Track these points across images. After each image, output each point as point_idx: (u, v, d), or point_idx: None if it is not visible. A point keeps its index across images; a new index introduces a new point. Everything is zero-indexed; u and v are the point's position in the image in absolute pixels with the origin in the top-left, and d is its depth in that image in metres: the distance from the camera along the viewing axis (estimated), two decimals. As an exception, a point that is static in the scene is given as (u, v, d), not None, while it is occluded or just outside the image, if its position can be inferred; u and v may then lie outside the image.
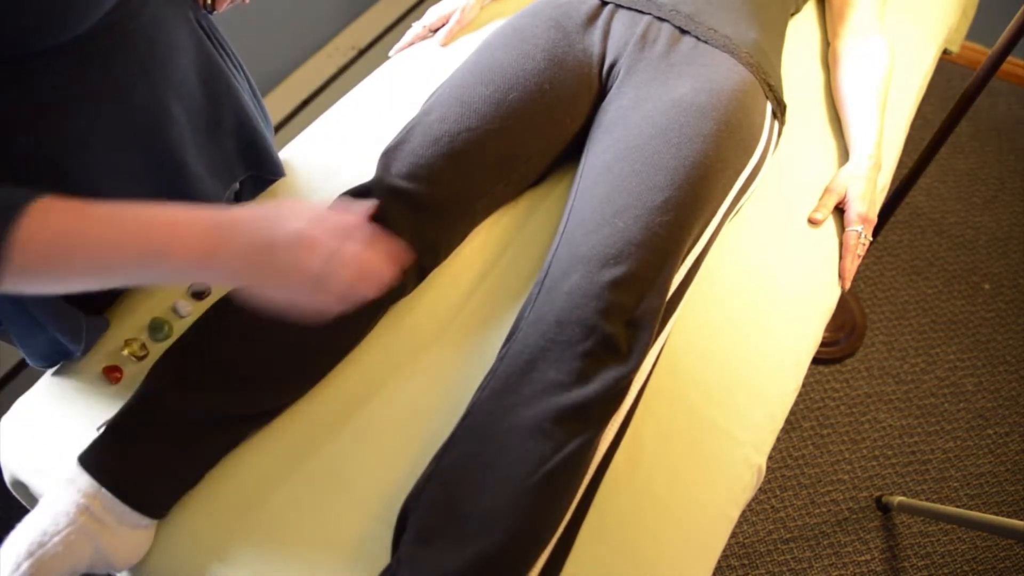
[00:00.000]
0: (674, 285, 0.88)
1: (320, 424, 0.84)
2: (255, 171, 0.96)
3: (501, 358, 0.82)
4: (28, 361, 0.85)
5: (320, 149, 1.08)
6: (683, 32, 1.03)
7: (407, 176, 0.88)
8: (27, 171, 0.69)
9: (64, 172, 0.71)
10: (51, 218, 0.54)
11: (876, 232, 1.27)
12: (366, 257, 0.63)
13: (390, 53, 1.23)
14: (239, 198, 1.00)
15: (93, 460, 0.73)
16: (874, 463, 1.64)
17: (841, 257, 1.03)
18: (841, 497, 1.59)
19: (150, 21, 0.71)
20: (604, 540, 0.79)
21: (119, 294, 0.91)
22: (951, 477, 1.63)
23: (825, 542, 1.53)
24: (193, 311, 0.89)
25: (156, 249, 0.56)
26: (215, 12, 0.87)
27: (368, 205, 0.68)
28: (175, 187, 0.82)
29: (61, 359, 0.86)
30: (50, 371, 0.86)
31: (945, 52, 1.42)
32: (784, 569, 1.49)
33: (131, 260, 0.56)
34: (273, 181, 1.01)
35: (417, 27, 1.23)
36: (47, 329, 0.80)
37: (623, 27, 1.04)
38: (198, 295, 0.91)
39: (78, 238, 0.54)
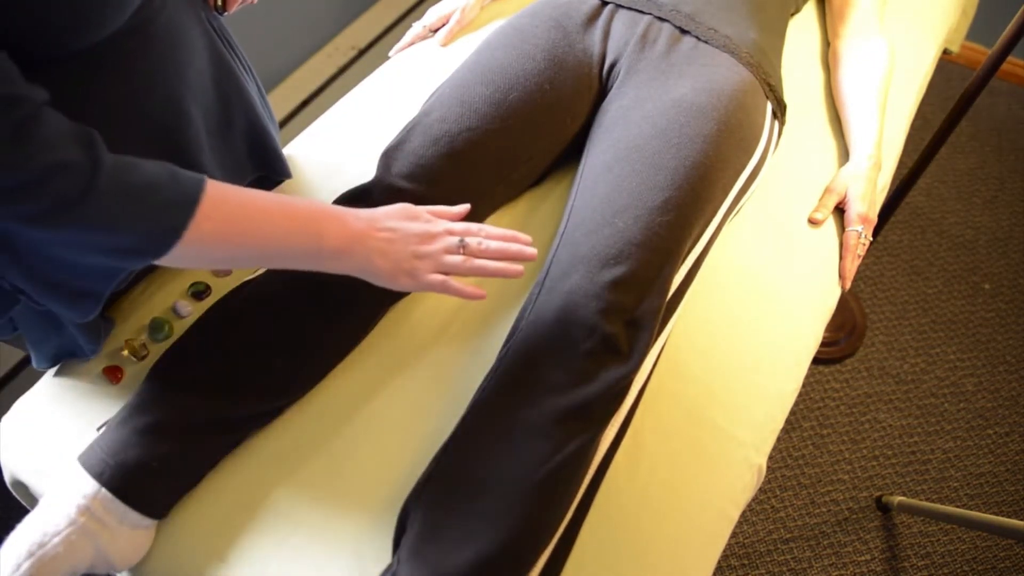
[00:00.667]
0: (674, 285, 0.88)
1: (320, 424, 0.84)
2: (264, 172, 0.96)
3: (501, 358, 0.82)
4: (34, 362, 0.85)
5: (320, 149, 1.08)
6: (683, 32, 1.03)
7: (407, 176, 0.88)
8: None
9: None
10: (229, 195, 0.64)
11: (876, 232, 1.27)
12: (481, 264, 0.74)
13: (390, 53, 1.23)
14: None
15: (94, 460, 0.73)
16: (874, 463, 1.64)
17: (841, 257, 1.03)
18: (841, 497, 1.59)
19: (168, 23, 0.72)
20: (604, 540, 0.79)
21: (119, 294, 0.91)
22: (951, 477, 1.63)
23: (825, 542, 1.53)
24: (193, 311, 0.89)
25: (315, 231, 0.67)
26: (226, 13, 0.87)
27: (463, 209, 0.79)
28: None
29: (66, 359, 0.86)
30: (50, 371, 0.86)
31: (945, 52, 1.42)
32: (784, 569, 1.49)
33: (294, 239, 0.67)
34: (279, 182, 1.01)
35: (417, 27, 1.23)
36: (63, 332, 0.80)
37: (623, 27, 1.04)
38: (198, 295, 0.91)
39: (252, 214, 0.65)
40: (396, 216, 0.73)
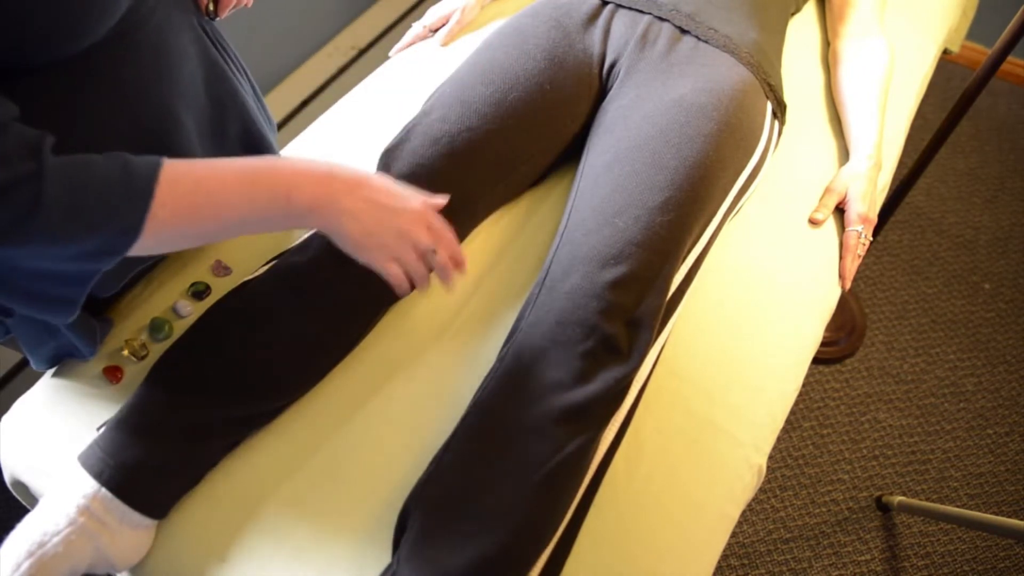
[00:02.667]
0: (674, 285, 0.88)
1: (320, 424, 0.84)
2: None
3: (501, 358, 0.82)
4: (32, 364, 0.85)
5: (320, 149, 1.08)
6: (683, 32, 1.03)
7: (407, 176, 0.88)
8: None
9: None
10: (182, 175, 0.61)
11: (876, 232, 1.27)
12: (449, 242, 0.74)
13: (390, 53, 1.23)
14: None
15: (93, 460, 0.73)
16: (874, 463, 1.64)
17: (841, 257, 1.03)
18: (841, 497, 1.59)
19: (157, 29, 0.72)
20: (604, 540, 0.79)
21: (119, 295, 0.91)
22: (951, 477, 1.63)
23: (825, 542, 1.53)
24: (193, 311, 0.89)
25: (283, 193, 0.65)
26: (218, 18, 0.87)
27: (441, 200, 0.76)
28: None
29: (65, 359, 0.86)
30: (50, 371, 0.86)
31: (945, 52, 1.42)
32: (784, 569, 1.49)
33: (259, 205, 0.64)
34: None
35: (417, 27, 1.23)
36: (57, 336, 0.80)
37: (623, 27, 1.04)
38: (198, 295, 0.91)
39: (210, 189, 0.62)
40: (383, 190, 0.70)
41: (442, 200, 0.75)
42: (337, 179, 0.67)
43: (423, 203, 0.72)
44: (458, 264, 0.75)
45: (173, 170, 0.61)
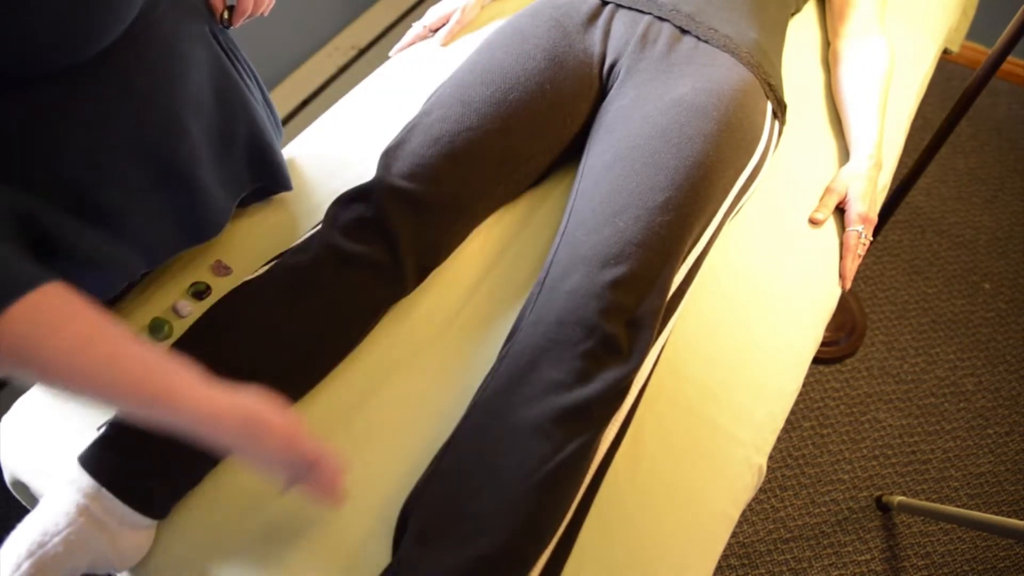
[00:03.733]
0: (675, 285, 0.88)
1: (320, 424, 0.84)
2: (263, 183, 0.95)
3: (502, 358, 0.82)
4: None
5: (321, 149, 1.08)
6: (683, 32, 1.03)
7: (408, 176, 0.88)
8: (38, 183, 0.69)
9: (75, 182, 0.71)
10: (49, 316, 0.54)
11: (876, 232, 1.27)
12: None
13: (390, 53, 1.23)
14: (243, 203, 1.00)
15: (93, 460, 0.73)
16: (874, 463, 1.64)
17: (841, 257, 1.03)
18: (841, 497, 1.59)
19: (166, 37, 0.72)
20: (605, 540, 0.79)
21: (118, 296, 0.91)
22: (951, 477, 1.63)
23: (825, 542, 1.53)
24: (193, 311, 0.89)
25: (152, 395, 0.59)
26: (232, 27, 0.87)
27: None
28: (186, 200, 0.81)
29: None
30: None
31: (945, 52, 1.42)
32: (784, 569, 1.49)
33: (125, 396, 0.58)
34: (276, 193, 1.01)
35: (417, 27, 1.23)
36: None
37: (623, 27, 1.04)
38: (198, 295, 0.91)
39: (80, 350, 0.55)
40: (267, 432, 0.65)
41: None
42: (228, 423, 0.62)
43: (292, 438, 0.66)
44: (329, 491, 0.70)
45: (51, 300, 0.54)
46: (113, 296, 0.84)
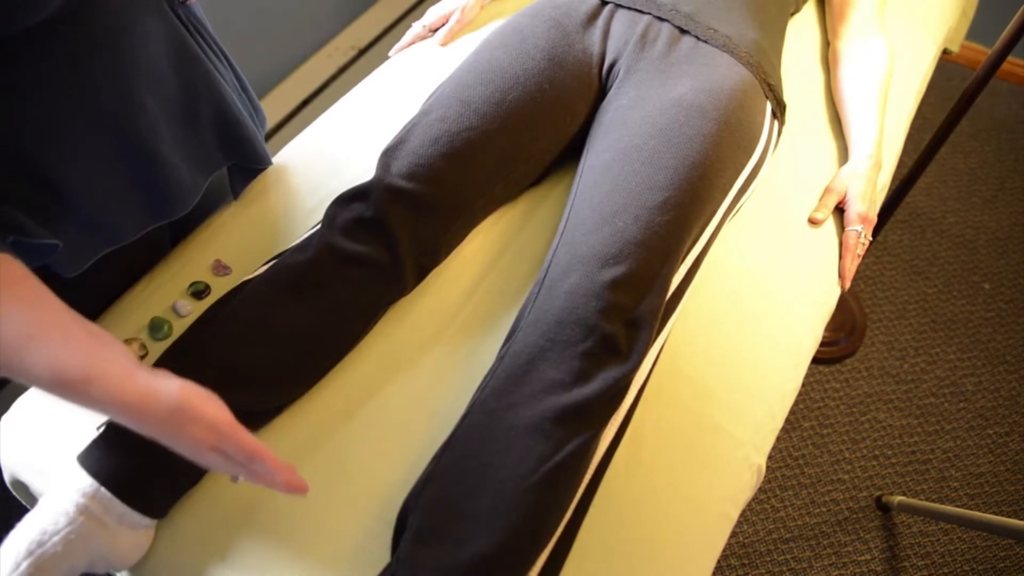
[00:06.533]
0: (674, 285, 0.88)
1: (319, 423, 0.84)
2: (237, 160, 0.95)
3: (501, 358, 0.82)
4: None
5: (320, 149, 1.08)
6: (683, 32, 1.03)
7: (407, 176, 0.88)
8: None
9: (32, 158, 0.71)
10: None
11: (876, 232, 1.27)
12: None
13: (390, 53, 1.23)
14: (233, 188, 1.00)
15: (92, 460, 0.73)
16: (874, 463, 1.64)
17: (841, 257, 1.03)
18: (841, 497, 1.59)
19: (117, 9, 0.70)
20: (604, 540, 0.79)
21: (116, 297, 0.91)
22: (951, 477, 1.63)
23: (825, 542, 1.53)
24: (193, 310, 0.89)
25: (81, 375, 0.57)
26: (189, 1, 0.85)
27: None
28: (148, 175, 0.81)
29: None
30: (50, 371, 0.86)
31: (945, 52, 1.42)
32: (784, 569, 1.49)
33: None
34: (262, 170, 1.01)
35: (417, 27, 1.23)
36: None
37: (623, 27, 1.04)
38: (198, 295, 0.91)
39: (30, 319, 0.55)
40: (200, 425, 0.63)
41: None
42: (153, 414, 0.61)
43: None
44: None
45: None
46: (81, 271, 0.81)
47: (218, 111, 0.88)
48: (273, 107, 1.94)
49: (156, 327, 0.87)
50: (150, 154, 0.80)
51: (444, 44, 1.20)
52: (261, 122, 1.01)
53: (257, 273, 0.87)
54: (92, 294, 0.89)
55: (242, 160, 0.96)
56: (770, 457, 0.92)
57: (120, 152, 0.77)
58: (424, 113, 0.95)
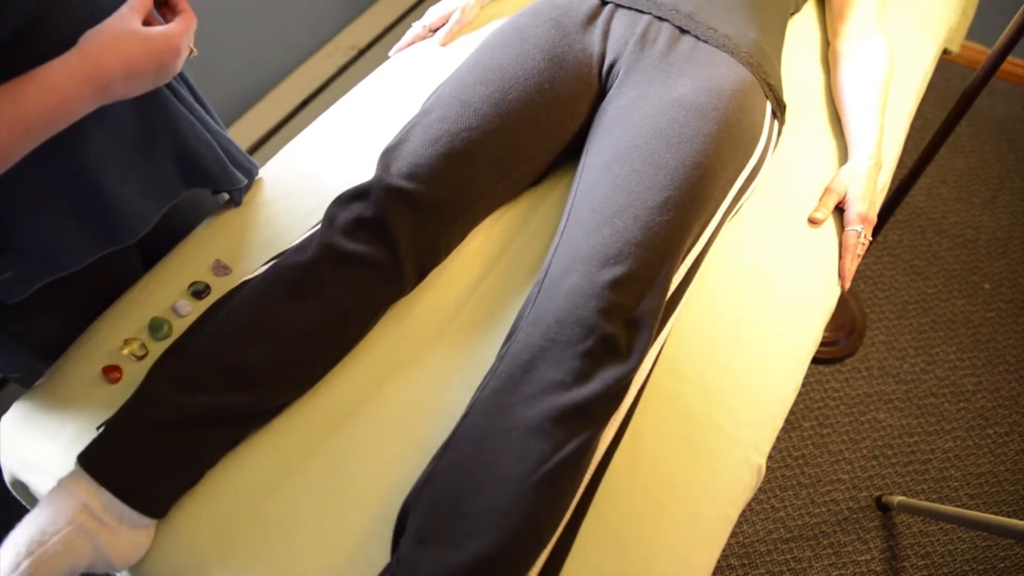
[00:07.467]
0: (674, 285, 0.88)
1: (320, 424, 0.84)
2: (200, 187, 0.92)
3: (501, 358, 0.82)
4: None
5: (320, 149, 1.08)
6: (683, 31, 1.03)
7: (407, 176, 0.89)
8: None
9: None
10: None
11: (876, 232, 1.27)
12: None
13: (390, 53, 1.23)
14: (232, 197, 1.00)
15: (92, 460, 0.73)
16: (874, 463, 1.64)
17: (841, 257, 1.03)
18: (841, 497, 1.59)
19: (60, 44, 0.67)
20: (604, 540, 0.79)
21: (116, 296, 0.91)
22: (951, 477, 1.63)
23: (825, 542, 1.53)
24: (193, 310, 0.89)
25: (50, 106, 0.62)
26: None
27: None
28: (91, 205, 0.79)
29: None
30: (49, 371, 0.86)
31: (945, 52, 1.42)
32: (784, 569, 1.49)
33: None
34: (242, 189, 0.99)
35: (417, 27, 1.23)
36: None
37: (623, 27, 1.04)
38: (198, 294, 0.91)
39: None
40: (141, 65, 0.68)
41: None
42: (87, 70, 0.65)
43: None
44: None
45: None
46: (21, 298, 0.80)
47: (176, 140, 0.86)
48: (273, 107, 1.94)
49: (156, 327, 0.87)
50: (94, 186, 0.78)
51: (444, 44, 1.20)
52: (224, 139, 0.96)
53: (257, 273, 0.87)
54: (56, 320, 0.88)
55: (206, 186, 0.92)
56: (770, 457, 0.92)
57: (62, 184, 0.76)
58: (424, 113, 0.95)
